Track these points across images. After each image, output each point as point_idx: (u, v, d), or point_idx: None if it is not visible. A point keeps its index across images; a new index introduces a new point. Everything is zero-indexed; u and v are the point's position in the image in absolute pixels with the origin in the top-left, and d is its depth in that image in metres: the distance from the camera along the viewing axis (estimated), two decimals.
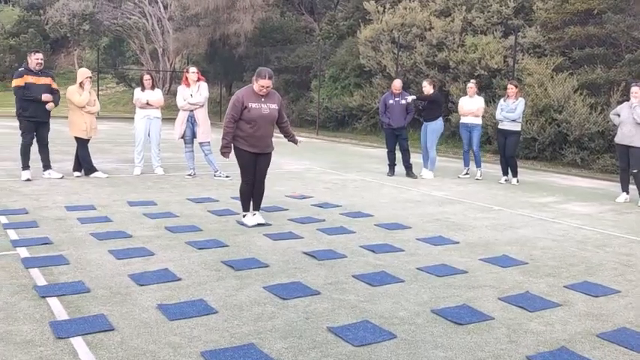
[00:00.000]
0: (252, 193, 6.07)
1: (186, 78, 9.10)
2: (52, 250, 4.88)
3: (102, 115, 24.80)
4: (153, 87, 9.42)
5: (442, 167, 11.12)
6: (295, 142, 6.39)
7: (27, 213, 6.25)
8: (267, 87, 5.73)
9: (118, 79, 33.06)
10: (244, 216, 6.12)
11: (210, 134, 9.26)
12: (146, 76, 9.54)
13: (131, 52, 33.28)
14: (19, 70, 8.32)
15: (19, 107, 8.24)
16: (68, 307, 3.64)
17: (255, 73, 5.79)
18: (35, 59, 8.21)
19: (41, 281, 4.11)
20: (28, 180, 8.24)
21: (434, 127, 10.13)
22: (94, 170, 8.84)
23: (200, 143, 9.14)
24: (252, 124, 5.76)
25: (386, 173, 10.27)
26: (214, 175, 9.26)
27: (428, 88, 10.14)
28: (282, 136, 6.34)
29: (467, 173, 10.31)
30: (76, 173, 8.84)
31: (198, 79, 9.09)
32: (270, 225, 6.06)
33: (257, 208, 6.18)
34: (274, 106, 5.88)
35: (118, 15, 30.39)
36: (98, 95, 27.09)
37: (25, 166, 8.37)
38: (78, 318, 3.48)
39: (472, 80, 10.66)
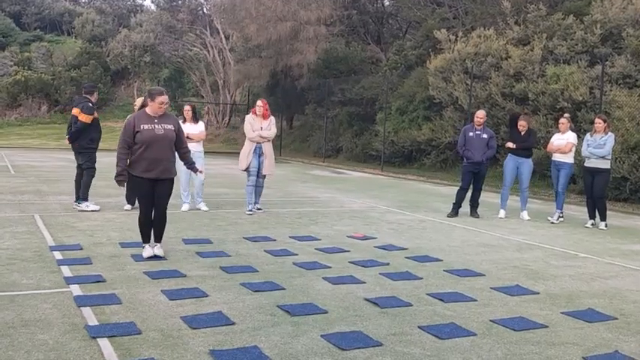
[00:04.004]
0: (151, 223, 6.20)
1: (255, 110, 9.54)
2: (105, 289, 5.06)
3: None
4: (196, 119, 9.66)
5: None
6: (194, 170, 6.77)
7: (81, 249, 6.52)
8: (167, 103, 6.10)
9: (177, 111, 34.36)
10: (143, 247, 6.26)
11: (274, 168, 9.71)
12: (187, 107, 9.77)
13: (191, 84, 34.61)
14: (90, 105, 9.07)
15: (89, 140, 9.07)
16: (118, 350, 3.74)
17: (148, 94, 6.11)
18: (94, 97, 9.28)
19: (92, 321, 4.26)
20: (98, 210, 9.09)
21: (531, 164, 10.15)
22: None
23: (263, 175, 9.55)
24: (144, 146, 5.92)
25: (447, 214, 10.08)
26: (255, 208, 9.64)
27: (526, 126, 10.06)
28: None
29: (560, 217, 9.98)
30: (127, 206, 9.34)
31: (264, 114, 9.44)
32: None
33: (157, 239, 6.28)
34: (170, 127, 6.08)
35: (179, 46, 31.77)
36: None
37: (87, 198, 9.20)
38: None
39: (565, 115, 10.38)
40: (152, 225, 6.23)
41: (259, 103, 9.60)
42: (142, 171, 5.97)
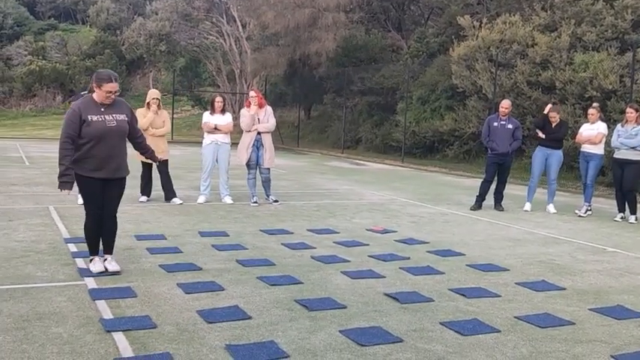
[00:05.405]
0: (100, 231, 5.39)
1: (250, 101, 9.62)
2: (120, 282, 5.10)
3: (176, 139, 25.95)
4: (223, 111, 9.73)
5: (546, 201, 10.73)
6: (155, 160, 5.89)
7: None
8: (115, 92, 5.13)
9: (193, 101, 34.49)
10: (91, 260, 5.40)
11: (274, 160, 9.76)
12: (219, 98, 9.81)
13: (207, 74, 34.69)
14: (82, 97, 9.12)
15: None
16: (133, 344, 3.78)
17: (95, 77, 5.15)
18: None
19: (107, 314, 4.30)
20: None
21: (561, 156, 10.03)
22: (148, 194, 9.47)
23: (264, 168, 9.59)
24: (92, 141, 5.06)
25: (470, 206, 10.00)
26: (255, 202, 9.58)
27: (557, 117, 9.93)
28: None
29: (589, 210, 9.85)
30: (142, 198, 9.43)
31: (260, 103, 9.47)
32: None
33: (108, 250, 5.45)
34: (122, 117, 5.22)
35: (195, 35, 31.84)
36: (173, 118, 28.34)
37: None
38: (143, 356, 3.60)
39: (595, 104, 10.22)
40: (101, 234, 5.42)
41: (252, 93, 9.72)
42: (91, 170, 5.14)
